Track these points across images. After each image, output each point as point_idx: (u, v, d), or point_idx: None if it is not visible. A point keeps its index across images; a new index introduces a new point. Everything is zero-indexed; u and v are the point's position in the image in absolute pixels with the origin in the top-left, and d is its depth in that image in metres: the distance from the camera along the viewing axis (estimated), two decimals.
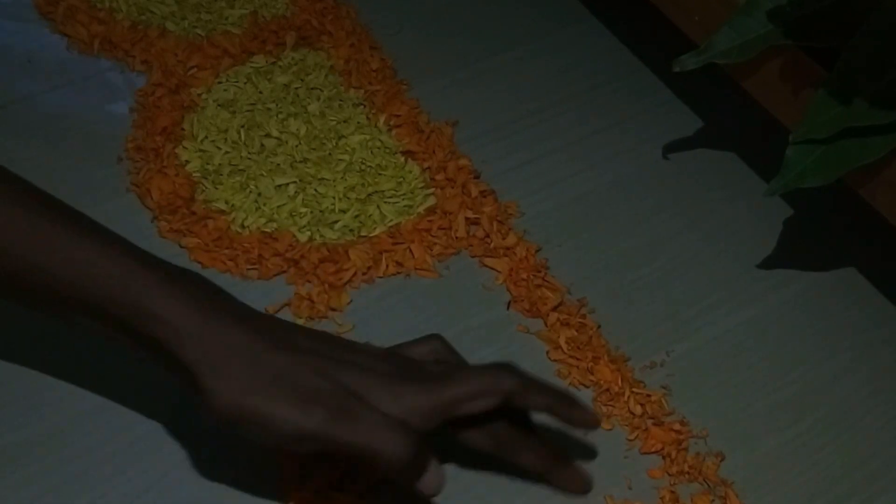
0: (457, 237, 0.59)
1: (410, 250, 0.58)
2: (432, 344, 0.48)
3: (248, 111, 0.64)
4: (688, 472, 0.50)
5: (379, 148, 0.63)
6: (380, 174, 0.61)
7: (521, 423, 0.48)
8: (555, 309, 0.56)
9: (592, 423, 0.48)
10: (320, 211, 0.59)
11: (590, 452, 0.51)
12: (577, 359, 0.54)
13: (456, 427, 0.46)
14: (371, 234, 0.59)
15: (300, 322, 0.54)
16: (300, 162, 0.62)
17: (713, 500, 0.49)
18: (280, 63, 0.68)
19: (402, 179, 0.61)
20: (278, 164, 0.61)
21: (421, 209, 0.60)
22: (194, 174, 0.61)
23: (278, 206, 0.59)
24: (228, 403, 0.41)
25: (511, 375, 0.45)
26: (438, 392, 0.44)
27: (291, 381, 0.42)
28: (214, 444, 0.49)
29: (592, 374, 0.53)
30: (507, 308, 0.57)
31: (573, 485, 0.49)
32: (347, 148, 0.63)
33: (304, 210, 0.59)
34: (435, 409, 0.44)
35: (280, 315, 0.54)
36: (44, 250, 0.42)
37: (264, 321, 0.44)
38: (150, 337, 0.42)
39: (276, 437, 0.42)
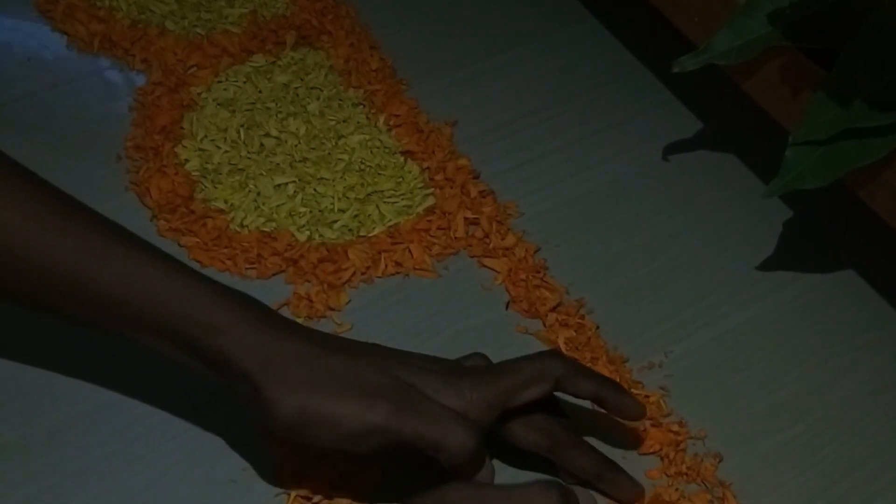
0: (456, 237, 0.59)
1: (409, 250, 0.58)
2: (477, 356, 0.49)
3: (247, 110, 0.64)
4: (686, 473, 0.50)
5: (378, 148, 0.63)
6: (379, 174, 0.61)
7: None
8: (553, 309, 0.56)
9: (639, 412, 0.48)
10: (319, 210, 0.59)
11: None
12: (576, 359, 0.54)
13: (512, 427, 0.47)
14: (370, 234, 0.59)
15: (299, 322, 0.54)
16: (299, 161, 0.62)
17: (711, 501, 0.49)
18: (280, 62, 0.68)
19: (401, 179, 0.61)
20: (277, 164, 0.61)
21: (420, 209, 0.60)
22: (193, 173, 0.61)
23: (277, 206, 0.59)
24: (292, 407, 0.42)
25: (559, 360, 0.47)
26: (494, 383, 0.45)
27: (353, 379, 0.43)
28: (213, 444, 0.49)
29: None
30: (506, 308, 0.57)
31: (624, 491, 0.48)
32: (347, 148, 0.63)
33: (303, 209, 0.59)
34: (493, 399, 0.45)
35: (280, 313, 0.54)
36: (106, 270, 0.43)
37: (318, 333, 0.46)
38: (211, 349, 0.43)
39: (343, 434, 0.42)
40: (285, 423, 0.42)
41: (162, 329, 0.43)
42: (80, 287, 0.43)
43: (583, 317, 0.56)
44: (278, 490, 0.48)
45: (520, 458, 0.49)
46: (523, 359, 0.47)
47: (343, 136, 0.63)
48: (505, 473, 0.49)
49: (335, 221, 0.59)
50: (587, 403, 0.51)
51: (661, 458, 0.51)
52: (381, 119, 0.65)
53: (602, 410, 0.48)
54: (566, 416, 0.49)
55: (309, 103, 0.65)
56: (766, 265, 0.60)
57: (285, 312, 0.55)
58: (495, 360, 0.53)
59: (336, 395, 0.42)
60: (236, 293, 0.45)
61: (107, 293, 0.43)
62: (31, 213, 0.44)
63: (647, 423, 0.52)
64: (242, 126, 0.63)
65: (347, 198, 0.60)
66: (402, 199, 0.60)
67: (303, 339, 0.44)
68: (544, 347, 0.55)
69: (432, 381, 0.44)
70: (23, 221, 0.43)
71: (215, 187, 0.60)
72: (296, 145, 0.62)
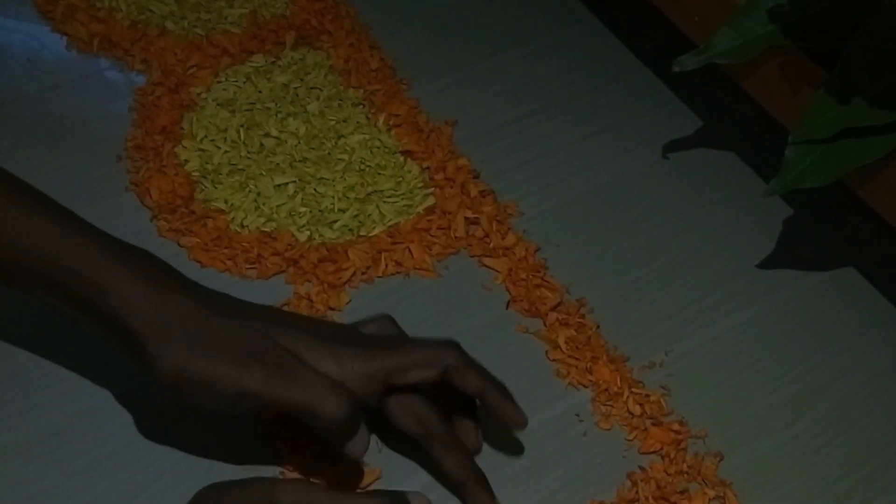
0: (456, 237, 0.59)
1: (409, 250, 0.58)
2: (381, 322, 0.49)
3: (247, 110, 0.64)
4: (686, 473, 0.50)
5: (378, 147, 0.63)
6: (379, 174, 0.61)
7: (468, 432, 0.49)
8: (554, 309, 0.56)
9: (518, 422, 0.48)
10: (319, 210, 0.59)
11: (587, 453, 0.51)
12: (576, 359, 0.54)
13: (390, 405, 0.47)
14: (370, 234, 0.59)
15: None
16: (299, 161, 0.62)
17: (712, 501, 0.49)
18: (279, 62, 0.68)
19: (401, 179, 0.61)
20: (277, 164, 0.61)
21: (420, 209, 0.60)
22: (193, 173, 0.61)
23: (277, 206, 0.59)
24: (171, 367, 0.43)
25: (453, 352, 0.47)
26: (380, 357, 0.46)
27: (232, 344, 0.44)
28: (212, 443, 0.49)
29: (591, 373, 0.53)
30: (507, 308, 0.57)
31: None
32: (347, 147, 0.63)
33: (303, 209, 0.59)
34: (374, 373, 0.46)
35: None
36: (7, 229, 0.44)
37: (210, 293, 0.46)
38: (101, 309, 0.44)
39: (217, 397, 0.44)
40: (166, 383, 0.43)
41: (54, 287, 0.44)
42: None
43: (583, 316, 0.56)
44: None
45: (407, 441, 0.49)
46: (421, 341, 0.48)
47: (343, 135, 0.63)
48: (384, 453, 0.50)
49: (335, 221, 0.59)
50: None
51: (662, 457, 0.51)
52: (381, 119, 0.65)
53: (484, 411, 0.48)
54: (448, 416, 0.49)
55: (309, 103, 0.65)
56: (767, 264, 0.60)
57: (285, 309, 0.55)
58: (495, 359, 0.53)
59: (214, 358, 0.43)
60: (132, 251, 0.46)
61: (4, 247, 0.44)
62: None
63: (648, 422, 0.52)
64: (242, 126, 0.63)
65: (347, 198, 0.60)
66: (402, 199, 0.60)
67: (192, 299, 0.45)
68: (545, 347, 0.55)
69: (316, 348, 0.45)
70: None
71: (215, 187, 0.60)
72: (296, 145, 0.62)
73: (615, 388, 0.53)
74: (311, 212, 0.59)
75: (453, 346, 0.48)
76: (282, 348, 0.44)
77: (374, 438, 0.50)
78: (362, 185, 0.61)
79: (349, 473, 0.48)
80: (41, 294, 0.45)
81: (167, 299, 0.44)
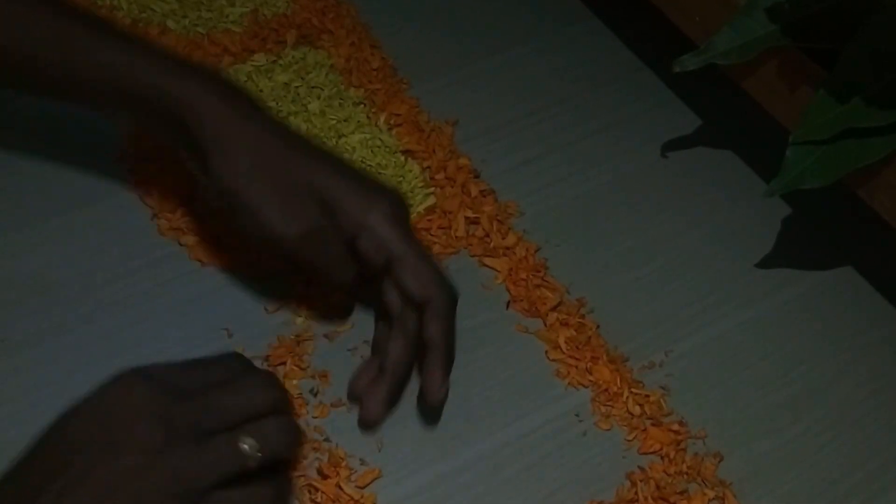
0: (456, 236, 0.59)
1: None
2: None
3: None
4: (686, 473, 0.50)
5: (379, 147, 0.63)
6: (380, 173, 0.61)
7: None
8: (554, 309, 0.56)
9: (432, 392, 0.50)
10: None
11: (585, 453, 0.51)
12: (576, 359, 0.54)
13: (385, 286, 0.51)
14: None
15: (299, 321, 0.54)
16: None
17: (711, 501, 0.49)
18: (280, 61, 0.68)
19: (401, 178, 0.61)
20: None
21: (421, 208, 0.60)
22: (194, 172, 0.60)
23: None
24: (226, 189, 0.49)
25: (443, 295, 0.49)
26: (401, 245, 0.49)
27: (284, 184, 0.49)
28: None
29: (591, 373, 0.53)
30: (507, 308, 0.57)
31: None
32: (347, 147, 0.63)
33: None
34: (387, 250, 0.49)
35: (279, 315, 0.55)
36: (85, 50, 0.50)
37: (274, 122, 0.51)
38: (178, 121, 0.49)
39: (257, 231, 0.49)
40: (221, 198, 0.49)
41: (132, 101, 0.50)
42: (70, 74, 0.50)
43: (583, 316, 0.56)
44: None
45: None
46: (433, 264, 0.50)
47: (344, 135, 0.63)
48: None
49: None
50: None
51: (662, 458, 0.51)
52: (382, 118, 0.65)
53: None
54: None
55: (310, 102, 0.65)
56: (767, 264, 0.60)
57: (285, 311, 0.55)
58: (495, 359, 0.53)
59: (265, 196, 0.48)
60: (206, 69, 0.51)
61: (97, 76, 0.50)
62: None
63: (648, 422, 0.52)
64: None
65: None
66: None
67: (258, 126, 0.49)
68: (545, 347, 0.55)
69: (355, 198, 0.49)
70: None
71: None
72: None
73: (615, 389, 0.53)
74: None
75: (451, 292, 0.50)
76: (323, 202, 0.49)
77: (374, 438, 0.50)
78: None
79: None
80: (121, 111, 0.52)
81: (235, 122, 0.49)
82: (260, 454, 0.41)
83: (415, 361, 0.51)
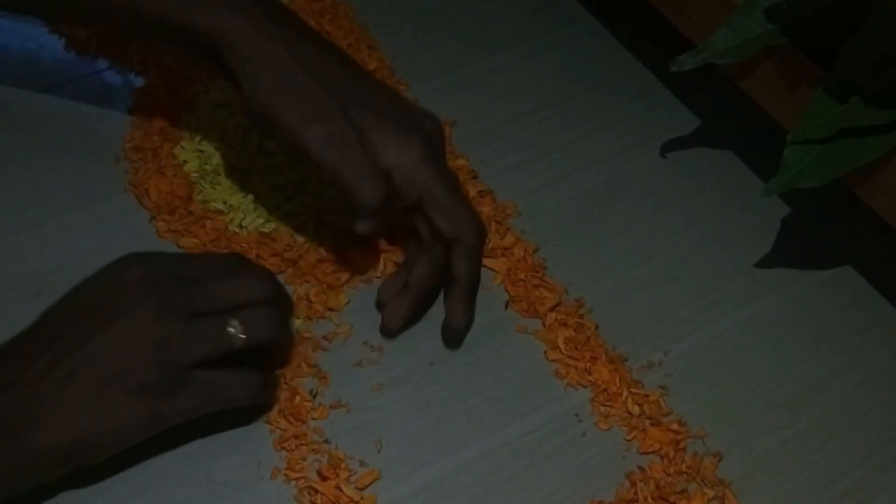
0: None
1: None
2: (428, 119, 0.54)
3: None
4: (686, 473, 0.50)
5: None
6: None
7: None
8: (553, 309, 0.56)
9: (456, 319, 0.53)
10: (318, 211, 0.59)
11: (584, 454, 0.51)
12: (575, 359, 0.54)
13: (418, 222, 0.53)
14: None
15: (298, 322, 0.54)
16: (298, 162, 0.61)
17: (711, 501, 0.49)
18: None
19: None
20: (276, 165, 0.61)
21: None
22: (192, 174, 0.60)
23: (276, 207, 0.59)
24: (256, 104, 0.50)
25: (473, 232, 0.52)
26: (437, 183, 0.51)
27: (309, 101, 0.49)
28: (213, 444, 0.50)
29: (590, 373, 0.54)
30: (505, 308, 0.57)
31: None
32: None
33: (301, 210, 0.59)
34: (420, 187, 0.51)
35: None
36: None
37: (305, 45, 0.51)
38: (209, 45, 0.50)
39: (287, 144, 0.50)
40: (251, 115, 0.50)
41: (167, 29, 0.50)
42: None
43: (582, 316, 0.56)
44: (280, 488, 0.48)
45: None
46: (463, 200, 0.53)
47: None
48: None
49: (334, 222, 0.59)
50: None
51: (661, 458, 0.51)
52: None
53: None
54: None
55: None
56: (765, 264, 0.60)
57: None
58: (494, 359, 0.53)
59: (288, 109, 0.49)
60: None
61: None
62: None
63: (647, 422, 0.52)
64: (241, 127, 0.63)
65: None
66: None
67: (287, 50, 0.50)
68: (544, 347, 0.55)
69: (385, 131, 0.50)
70: None
71: (214, 188, 0.60)
72: None
73: (614, 388, 0.53)
74: (309, 212, 0.59)
75: (480, 231, 0.53)
76: (348, 121, 0.50)
77: (373, 439, 0.50)
78: None
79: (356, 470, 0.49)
80: (156, 40, 0.56)
81: (264, 45, 0.49)
82: (244, 336, 0.45)
83: (439, 286, 0.54)
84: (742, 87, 0.58)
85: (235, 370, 0.47)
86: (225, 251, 0.56)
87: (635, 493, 0.49)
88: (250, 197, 0.59)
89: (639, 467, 0.50)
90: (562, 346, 0.54)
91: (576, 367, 0.54)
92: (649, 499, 0.49)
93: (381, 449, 0.50)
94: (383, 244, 0.58)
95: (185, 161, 0.61)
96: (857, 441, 0.52)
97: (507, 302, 0.57)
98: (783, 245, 0.61)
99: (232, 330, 0.45)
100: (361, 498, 0.48)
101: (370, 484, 0.49)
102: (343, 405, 0.51)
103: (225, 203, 0.59)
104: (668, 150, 0.65)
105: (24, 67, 0.67)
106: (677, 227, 0.61)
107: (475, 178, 0.62)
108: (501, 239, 0.59)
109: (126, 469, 0.48)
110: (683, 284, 0.59)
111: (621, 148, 0.66)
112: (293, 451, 0.49)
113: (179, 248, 0.57)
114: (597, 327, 0.56)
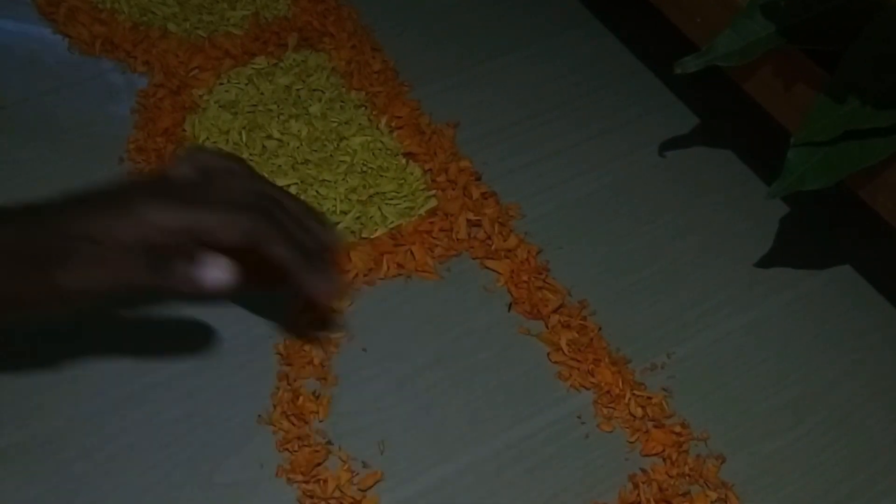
0: (458, 239, 0.59)
1: (411, 252, 0.58)
2: (232, 164, 0.49)
3: (249, 112, 0.64)
4: (688, 475, 0.50)
5: (380, 149, 0.63)
6: (381, 176, 0.61)
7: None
8: (556, 311, 0.56)
9: (323, 293, 0.47)
10: (321, 212, 0.59)
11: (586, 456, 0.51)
12: (578, 361, 0.54)
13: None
14: (372, 236, 0.59)
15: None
16: (301, 163, 0.62)
17: (714, 503, 0.49)
18: (281, 64, 0.68)
19: (403, 181, 0.61)
20: (279, 166, 0.61)
21: (422, 211, 0.60)
22: None
23: None
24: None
25: (261, 220, 0.45)
26: (182, 214, 0.44)
27: (42, 247, 0.44)
28: (215, 447, 0.50)
29: (593, 376, 0.53)
30: (509, 310, 0.57)
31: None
32: (349, 149, 0.63)
33: None
34: (176, 229, 0.44)
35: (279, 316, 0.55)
36: None
37: (36, 207, 0.47)
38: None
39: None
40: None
41: None
42: None
43: (585, 318, 0.56)
44: (283, 490, 0.48)
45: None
46: (230, 201, 0.46)
47: (345, 137, 0.63)
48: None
49: (337, 223, 0.59)
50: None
51: (664, 460, 0.51)
52: (383, 121, 0.65)
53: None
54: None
55: (311, 105, 0.65)
56: (768, 266, 0.60)
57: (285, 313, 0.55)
58: (497, 361, 0.53)
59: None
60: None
61: None
62: None
63: (650, 424, 0.52)
64: (244, 128, 0.63)
65: (349, 199, 0.60)
66: (405, 201, 0.60)
67: (13, 227, 0.45)
68: (547, 349, 0.55)
69: (111, 213, 0.45)
70: None
71: None
72: (297, 147, 0.63)
73: (617, 391, 0.53)
74: None
75: (263, 211, 0.46)
76: (73, 239, 0.44)
77: (376, 440, 0.50)
78: (364, 187, 0.61)
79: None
80: None
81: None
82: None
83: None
84: (745, 89, 0.58)
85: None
86: None
87: (638, 495, 0.49)
88: None
89: (641, 469, 0.50)
90: (565, 348, 0.54)
91: (579, 370, 0.54)
92: (652, 501, 0.49)
93: (383, 450, 0.50)
94: (386, 245, 0.58)
95: None
96: (861, 443, 0.52)
97: (510, 304, 0.57)
98: (786, 247, 0.61)
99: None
100: (364, 499, 0.48)
101: (373, 485, 0.49)
102: (346, 407, 0.51)
103: None
104: (666, 150, 0.65)
105: (28, 68, 0.67)
106: (680, 230, 0.61)
107: (479, 179, 0.62)
108: (505, 241, 0.59)
109: (127, 472, 0.48)
110: (686, 287, 0.59)
111: (625, 150, 0.66)
112: (296, 452, 0.49)
113: None
114: (600, 329, 0.56)
